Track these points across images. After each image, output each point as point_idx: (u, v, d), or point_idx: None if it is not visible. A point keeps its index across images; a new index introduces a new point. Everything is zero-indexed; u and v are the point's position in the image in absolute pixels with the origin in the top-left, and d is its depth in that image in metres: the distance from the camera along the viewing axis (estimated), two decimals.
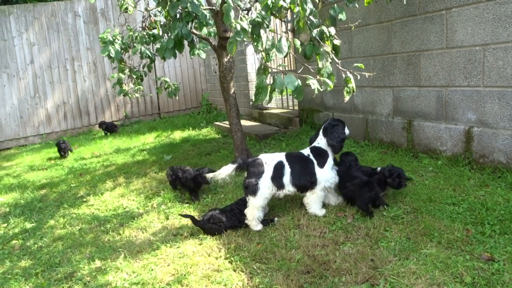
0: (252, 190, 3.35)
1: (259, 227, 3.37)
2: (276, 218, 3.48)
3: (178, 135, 8.50)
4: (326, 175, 3.48)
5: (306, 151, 3.59)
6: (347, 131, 3.61)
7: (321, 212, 3.49)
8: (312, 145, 3.62)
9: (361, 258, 2.71)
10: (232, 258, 2.95)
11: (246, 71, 9.06)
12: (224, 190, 4.44)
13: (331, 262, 2.72)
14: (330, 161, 3.51)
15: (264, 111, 8.52)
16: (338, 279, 2.53)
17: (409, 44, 4.64)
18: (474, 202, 3.30)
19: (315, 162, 3.50)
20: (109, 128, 9.91)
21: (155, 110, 11.75)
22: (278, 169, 3.43)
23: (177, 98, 5.26)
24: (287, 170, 3.44)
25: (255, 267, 2.79)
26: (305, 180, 3.46)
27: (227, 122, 5.46)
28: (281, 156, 3.52)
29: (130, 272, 2.98)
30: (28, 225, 4.25)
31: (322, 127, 3.61)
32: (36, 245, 3.71)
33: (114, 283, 2.85)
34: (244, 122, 8.16)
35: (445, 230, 2.92)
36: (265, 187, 3.37)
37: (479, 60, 3.89)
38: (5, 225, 4.38)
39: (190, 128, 9.02)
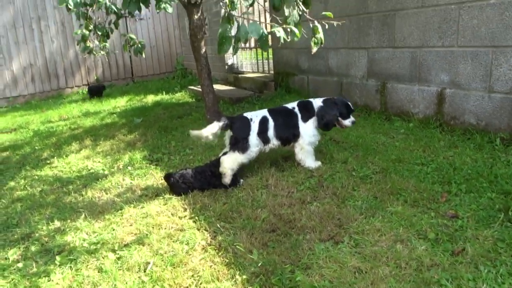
0: (242, 147, 3.30)
1: (229, 179, 3.27)
2: (242, 180, 3.39)
3: (150, 99, 8.24)
4: (308, 130, 3.46)
5: (292, 105, 3.56)
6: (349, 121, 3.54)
7: (315, 164, 3.50)
8: (304, 99, 3.55)
9: (327, 217, 2.67)
10: (197, 218, 2.87)
11: None
12: (193, 151, 4.32)
13: (297, 220, 2.67)
14: (314, 119, 3.47)
15: (240, 75, 8.31)
16: (302, 237, 2.48)
17: (385, 3, 4.49)
18: (442, 162, 3.29)
19: (299, 115, 3.48)
20: (95, 91, 9.40)
21: (128, 74, 11.34)
22: (263, 123, 3.40)
23: (143, 56, 4.99)
24: (271, 123, 3.41)
25: (219, 226, 2.72)
26: (288, 133, 3.45)
27: None
28: (264, 112, 3.50)
29: (90, 232, 2.86)
30: None
31: (328, 97, 3.57)
32: None
33: (73, 243, 2.74)
34: (219, 87, 7.96)
35: (413, 189, 2.90)
36: (254, 144, 3.35)
37: (454, 19, 3.80)
38: None
39: (164, 93, 8.75)
